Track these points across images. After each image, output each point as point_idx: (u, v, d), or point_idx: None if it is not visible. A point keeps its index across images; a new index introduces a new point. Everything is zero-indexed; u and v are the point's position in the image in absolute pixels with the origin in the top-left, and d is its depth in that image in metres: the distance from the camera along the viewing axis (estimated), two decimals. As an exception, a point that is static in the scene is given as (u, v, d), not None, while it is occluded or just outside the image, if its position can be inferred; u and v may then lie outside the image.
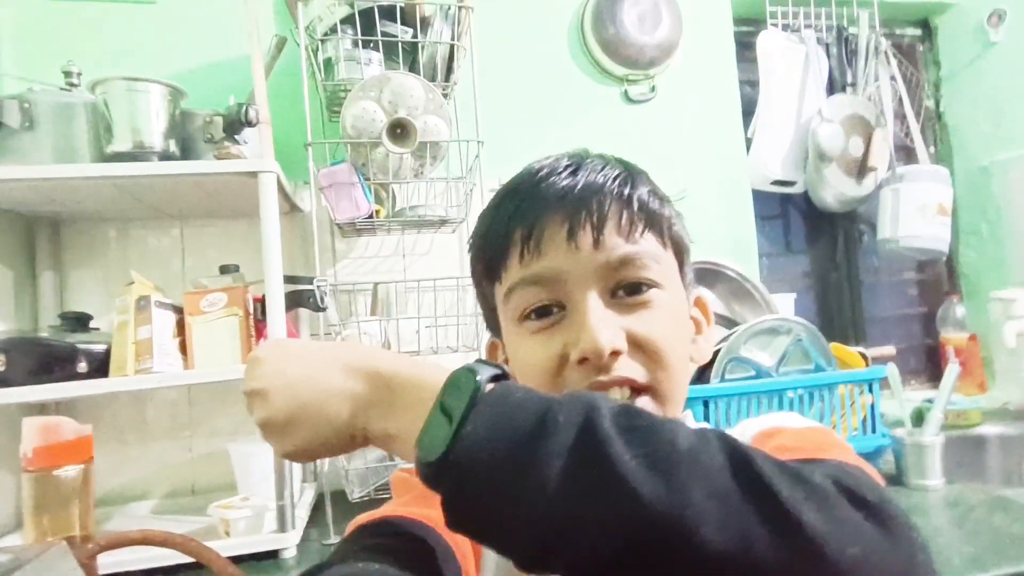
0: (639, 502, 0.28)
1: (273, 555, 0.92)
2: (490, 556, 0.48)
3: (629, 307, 0.46)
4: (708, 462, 0.30)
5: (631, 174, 0.49)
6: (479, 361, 0.36)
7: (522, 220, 0.47)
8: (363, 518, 0.45)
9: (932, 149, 1.76)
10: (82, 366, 0.91)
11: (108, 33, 1.23)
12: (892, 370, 1.15)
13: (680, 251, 0.51)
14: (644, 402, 0.46)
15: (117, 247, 1.22)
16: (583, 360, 0.44)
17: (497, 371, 0.35)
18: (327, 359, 0.39)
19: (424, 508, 0.44)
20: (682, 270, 0.51)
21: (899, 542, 0.30)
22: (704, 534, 0.27)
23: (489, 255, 0.50)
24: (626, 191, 0.47)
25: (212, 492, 1.17)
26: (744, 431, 0.48)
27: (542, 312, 0.47)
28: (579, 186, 0.47)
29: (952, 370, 1.10)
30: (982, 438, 1.40)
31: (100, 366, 0.93)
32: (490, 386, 0.34)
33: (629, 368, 0.45)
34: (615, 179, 0.48)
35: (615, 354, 0.44)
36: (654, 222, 0.48)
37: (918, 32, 1.81)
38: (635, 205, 0.47)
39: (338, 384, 0.38)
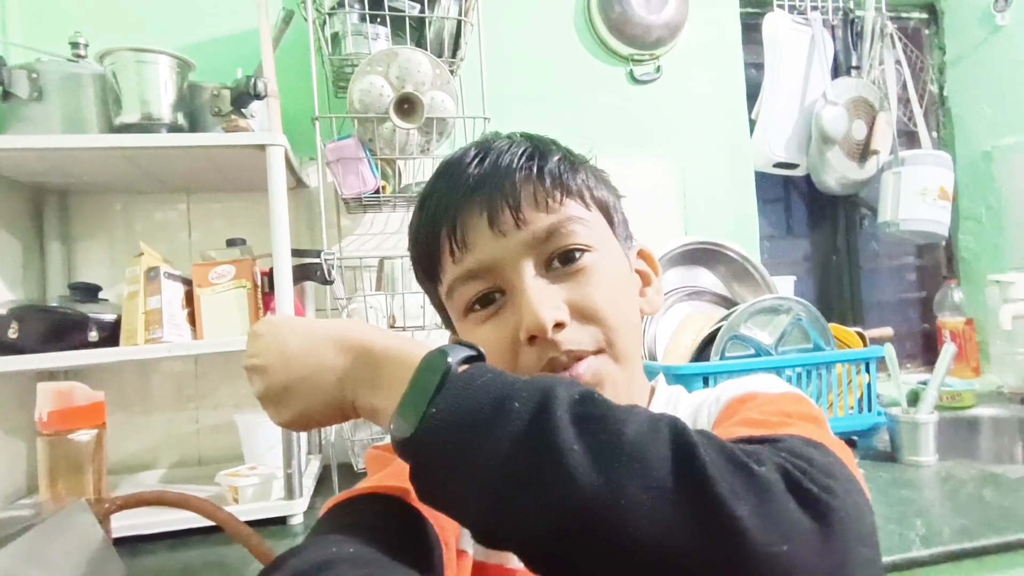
0: (575, 489, 0.29)
1: (281, 521, 0.95)
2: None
3: (566, 276, 0.47)
4: (651, 454, 0.30)
5: (538, 147, 0.49)
6: (457, 342, 0.37)
7: (444, 219, 0.48)
8: (338, 497, 0.45)
9: (935, 134, 1.77)
10: (93, 335, 0.92)
11: (114, 5, 1.23)
12: (889, 350, 1.17)
13: (606, 210, 0.51)
14: (602, 361, 0.47)
15: (124, 219, 1.23)
16: (532, 338, 0.45)
17: (472, 352, 0.36)
18: (322, 335, 0.41)
19: (398, 482, 0.44)
20: (614, 228, 0.52)
21: (834, 538, 0.29)
22: (634, 524, 0.28)
23: (423, 259, 0.51)
24: (535, 165, 0.48)
25: (219, 463, 1.19)
26: (721, 395, 0.49)
27: (485, 301, 0.48)
28: (489, 172, 0.47)
29: (948, 349, 1.12)
30: (976, 419, 1.42)
31: (110, 335, 0.95)
32: (463, 367, 0.35)
33: (577, 338, 0.46)
34: (522, 156, 0.48)
35: (560, 326, 0.45)
36: (570, 189, 0.48)
37: (924, 16, 1.81)
38: (547, 177, 0.47)
39: (331, 359, 0.40)
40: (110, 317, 0.95)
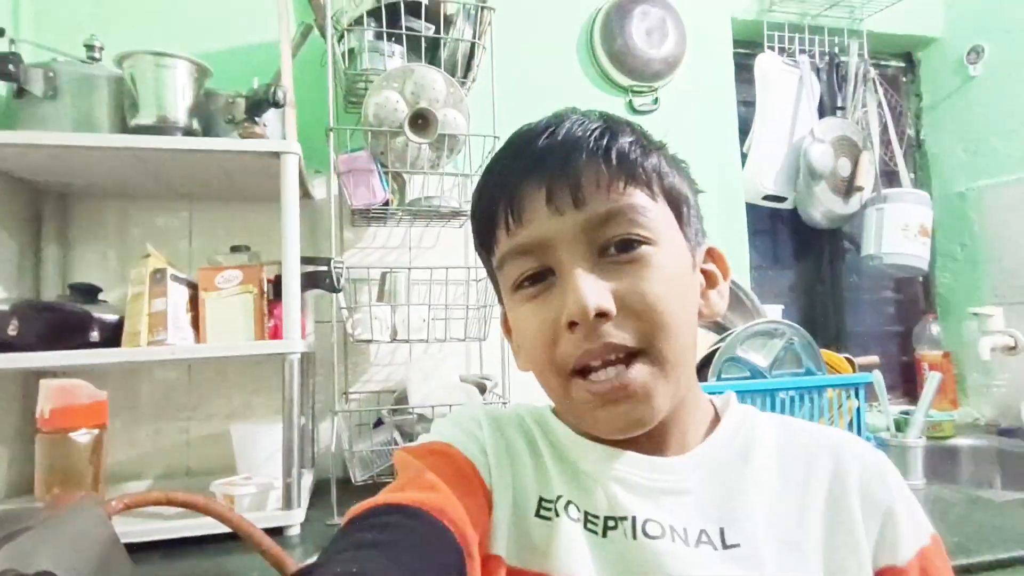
0: None
1: (277, 532, 0.92)
2: (501, 533, 0.45)
3: (619, 266, 0.44)
4: None
5: (610, 126, 0.46)
6: None
7: (503, 190, 0.46)
8: (356, 509, 0.43)
9: (913, 174, 1.85)
10: (94, 335, 0.91)
11: (129, 13, 1.24)
12: (877, 376, 1.21)
13: (676, 202, 0.48)
14: (639, 369, 0.43)
15: (124, 224, 1.22)
16: (572, 324, 0.43)
17: None
18: None
19: (417, 492, 0.42)
20: (681, 221, 0.48)
21: None
22: None
23: (480, 228, 0.50)
24: (603, 144, 0.45)
25: (209, 475, 1.16)
26: (908, 543, 0.45)
27: (534, 278, 0.46)
28: (555, 146, 0.45)
29: (934, 377, 1.16)
30: (956, 448, 1.46)
31: (111, 336, 0.93)
32: None
33: (619, 332, 0.43)
34: (592, 133, 0.45)
35: (603, 316, 0.42)
36: (637, 174, 0.45)
37: (902, 64, 1.91)
38: (614, 158, 0.44)
39: None
40: (112, 317, 0.93)
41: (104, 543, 0.57)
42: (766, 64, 1.64)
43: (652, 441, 0.47)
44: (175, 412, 1.22)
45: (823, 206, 1.65)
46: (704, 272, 0.51)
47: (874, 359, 1.35)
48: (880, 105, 1.72)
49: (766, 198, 1.65)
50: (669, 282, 0.45)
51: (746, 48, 1.71)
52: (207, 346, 0.95)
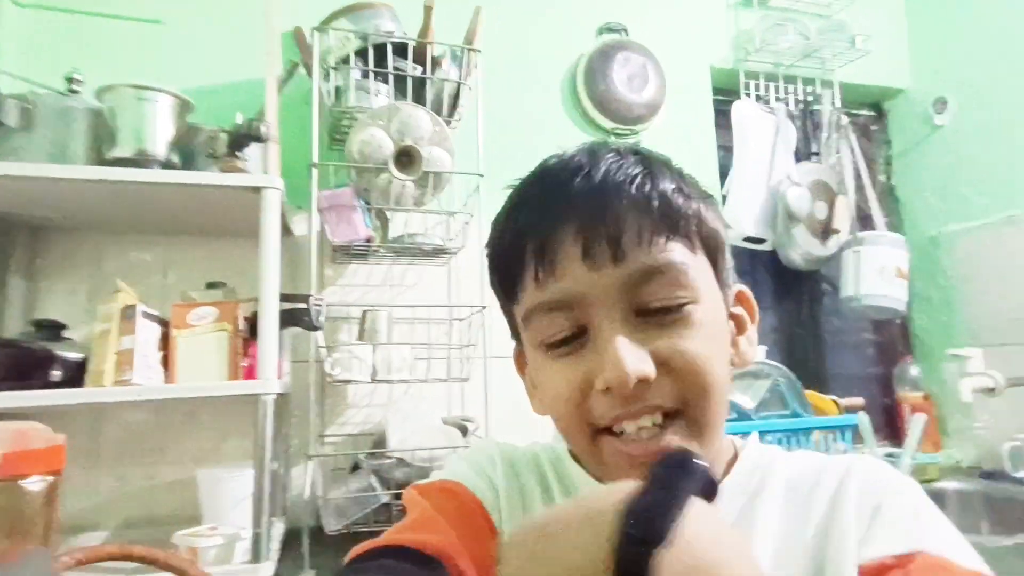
0: None
1: (245, 587, 0.87)
2: None
3: (659, 325, 0.42)
4: None
5: (651, 171, 0.43)
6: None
7: (533, 234, 0.43)
8: (359, 549, 0.42)
9: (886, 219, 1.90)
10: (56, 374, 0.86)
11: (113, 49, 1.24)
12: (863, 418, 1.20)
13: (713, 250, 0.45)
14: (676, 429, 0.41)
15: (95, 259, 1.18)
16: (607, 389, 0.41)
17: None
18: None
19: (420, 533, 0.41)
20: (717, 270, 0.45)
21: None
22: None
23: (502, 272, 0.46)
24: (644, 191, 0.42)
25: (173, 524, 1.09)
26: (884, 507, 0.43)
27: (564, 341, 0.43)
28: (593, 191, 0.42)
29: (919, 418, 1.16)
30: (942, 492, 1.45)
31: (74, 376, 0.89)
32: None
33: (658, 393, 0.41)
34: (632, 180, 0.42)
35: (644, 381, 0.40)
36: (678, 226, 0.42)
37: (872, 113, 1.99)
38: (656, 210, 0.42)
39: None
40: (76, 356, 0.89)
41: (51, 603, 0.52)
42: (743, 110, 1.69)
43: None
44: (140, 457, 1.16)
45: (801, 248, 1.67)
46: (733, 316, 0.48)
47: (859, 401, 1.35)
48: (853, 151, 1.77)
49: (746, 239, 1.67)
50: (709, 340, 0.42)
51: (724, 95, 1.75)
52: (176, 386, 0.91)
